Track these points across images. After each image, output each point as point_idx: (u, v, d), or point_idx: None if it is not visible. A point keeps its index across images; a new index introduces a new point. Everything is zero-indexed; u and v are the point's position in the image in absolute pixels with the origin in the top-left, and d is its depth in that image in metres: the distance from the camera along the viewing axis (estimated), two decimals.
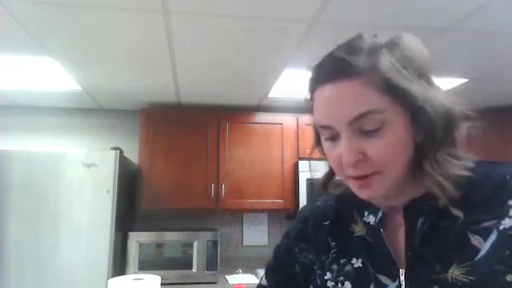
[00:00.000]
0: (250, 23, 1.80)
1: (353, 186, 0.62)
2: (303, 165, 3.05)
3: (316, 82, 0.61)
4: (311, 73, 0.64)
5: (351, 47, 0.60)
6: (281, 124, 3.22)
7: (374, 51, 0.58)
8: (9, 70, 2.42)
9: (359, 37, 0.61)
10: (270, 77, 2.56)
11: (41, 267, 2.46)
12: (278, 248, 0.85)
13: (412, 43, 0.61)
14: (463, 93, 2.77)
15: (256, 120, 3.21)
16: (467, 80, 2.54)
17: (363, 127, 0.57)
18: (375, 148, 0.57)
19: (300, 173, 3.04)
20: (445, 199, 0.59)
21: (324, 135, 0.62)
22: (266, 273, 0.86)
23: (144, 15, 1.71)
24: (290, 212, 3.20)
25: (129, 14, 1.71)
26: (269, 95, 2.95)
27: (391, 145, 0.57)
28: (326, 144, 0.63)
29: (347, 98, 0.57)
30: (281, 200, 3.12)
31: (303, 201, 3.01)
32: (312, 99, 0.64)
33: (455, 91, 2.77)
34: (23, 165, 2.54)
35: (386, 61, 0.57)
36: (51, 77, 2.54)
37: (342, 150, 0.58)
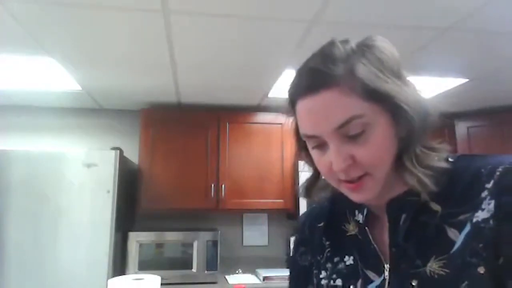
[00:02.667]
0: (250, 23, 1.80)
1: (346, 191, 0.63)
2: (303, 165, 3.04)
3: (296, 95, 0.63)
4: (289, 85, 0.65)
5: (325, 56, 0.61)
6: (281, 124, 3.21)
7: (348, 57, 0.59)
8: (9, 70, 2.42)
9: (332, 44, 0.62)
10: (270, 77, 2.56)
11: (41, 267, 2.46)
12: (289, 263, 0.86)
13: (383, 44, 0.62)
14: (463, 93, 2.79)
15: (256, 120, 3.21)
16: (467, 80, 2.54)
17: (348, 132, 0.58)
18: (362, 151, 0.58)
19: (300, 173, 3.04)
20: (425, 194, 0.60)
21: (311, 144, 0.64)
22: None
23: (144, 15, 1.71)
24: (290, 212, 3.20)
25: (129, 14, 1.70)
26: (269, 95, 2.95)
27: (378, 146, 0.59)
28: (313, 152, 0.64)
29: (328, 108, 0.58)
30: (281, 200, 3.12)
31: (303, 201, 3.00)
32: (293, 111, 0.65)
33: (455, 91, 2.77)
34: (23, 165, 2.54)
35: (361, 66, 0.58)
36: (51, 77, 2.53)
37: (331, 157, 0.60)
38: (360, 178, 0.60)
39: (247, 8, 1.65)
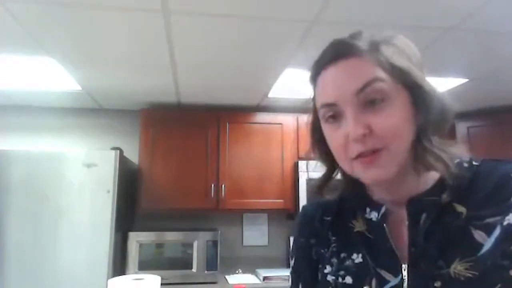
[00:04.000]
0: (250, 23, 1.80)
1: (359, 168, 0.61)
2: (303, 165, 3.05)
3: (319, 67, 0.63)
4: (311, 67, 0.66)
5: (351, 35, 0.63)
6: (281, 124, 3.22)
7: (373, 40, 0.61)
8: (9, 70, 2.42)
9: (358, 32, 0.64)
10: (270, 77, 2.56)
11: (41, 267, 2.45)
12: (295, 252, 0.81)
13: (407, 41, 0.64)
14: (463, 93, 2.78)
15: (256, 120, 3.21)
16: (467, 80, 2.54)
17: (368, 97, 0.58)
18: (380, 120, 0.58)
19: (300, 173, 3.04)
20: (447, 195, 0.60)
21: (326, 115, 0.63)
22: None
23: (144, 15, 1.71)
24: (290, 212, 3.20)
25: (129, 14, 1.70)
26: (269, 95, 2.95)
27: (395, 118, 0.59)
28: (327, 128, 0.64)
29: (352, 71, 0.59)
30: (281, 200, 3.12)
31: (303, 201, 3.01)
32: (314, 87, 0.65)
33: (455, 91, 2.78)
34: (23, 165, 2.54)
35: (385, 46, 0.60)
36: (51, 77, 2.53)
37: (348, 125, 0.59)
38: (375, 152, 0.58)
39: (247, 8, 1.65)
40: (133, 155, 3.06)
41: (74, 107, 3.31)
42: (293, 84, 2.66)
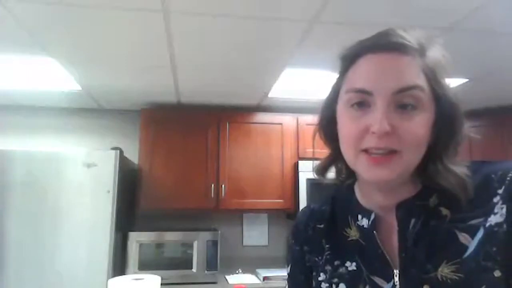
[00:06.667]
0: (250, 23, 1.80)
1: (365, 163, 0.60)
2: (303, 165, 3.05)
3: (364, 50, 0.62)
4: (354, 45, 0.64)
5: (402, 29, 0.62)
6: (281, 124, 3.22)
7: (422, 44, 0.61)
8: (9, 70, 2.42)
9: (405, 27, 0.63)
10: (270, 77, 2.56)
11: (41, 267, 2.45)
12: (290, 259, 0.82)
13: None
14: (462, 93, 2.77)
15: (256, 120, 3.21)
16: (467, 80, 2.54)
17: (403, 100, 0.58)
18: (407, 125, 0.58)
19: (300, 173, 3.04)
20: (435, 198, 0.61)
21: (354, 100, 0.61)
22: None
23: (144, 15, 1.71)
24: (290, 212, 3.20)
25: (129, 14, 1.70)
26: (269, 95, 2.95)
27: (422, 129, 0.59)
28: (349, 113, 0.62)
29: (399, 69, 0.59)
30: (281, 200, 3.12)
31: (303, 201, 3.01)
32: (349, 66, 0.63)
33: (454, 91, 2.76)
34: (23, 165, 2.54)
35: (432, 54, 0.61)
36: (51, 77, 2.54)
37: (376, 118, 0.57)
38: (388, 154, 0.58)
39: (247, 8, 1.65)
40: (133, 155, 3.06)
41: (74, 107, 3.31)
42: (293, 84, 2.66)
